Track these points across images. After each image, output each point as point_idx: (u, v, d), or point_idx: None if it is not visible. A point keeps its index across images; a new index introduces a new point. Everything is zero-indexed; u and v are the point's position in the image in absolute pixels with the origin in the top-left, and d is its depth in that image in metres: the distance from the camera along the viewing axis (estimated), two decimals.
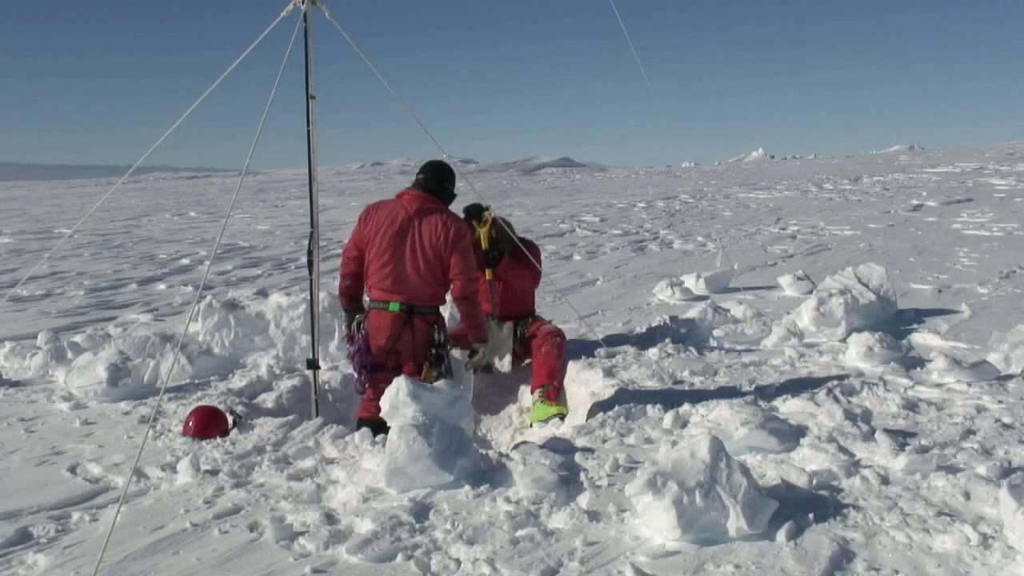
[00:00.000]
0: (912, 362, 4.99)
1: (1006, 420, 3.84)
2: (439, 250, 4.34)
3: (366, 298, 4.59)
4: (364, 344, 4.44)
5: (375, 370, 4.45)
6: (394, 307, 4.37)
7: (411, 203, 4.42)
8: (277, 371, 5.31)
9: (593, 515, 2.95)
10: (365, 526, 2.91)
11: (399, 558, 2.70)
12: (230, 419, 4.22)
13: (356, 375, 4.55)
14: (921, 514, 2.84)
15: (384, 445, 3.44)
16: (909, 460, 3.25)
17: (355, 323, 4.59)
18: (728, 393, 4.40)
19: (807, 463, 3.31)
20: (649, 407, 4.20)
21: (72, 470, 3.64)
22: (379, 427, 3.93)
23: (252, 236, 15.61)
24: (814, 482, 3.11)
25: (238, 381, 5.15)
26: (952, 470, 3.18)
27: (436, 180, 4.51)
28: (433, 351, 4.42)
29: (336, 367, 5.41)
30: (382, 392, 3.95)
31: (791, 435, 3.56)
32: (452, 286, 4.48)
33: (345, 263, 4.64)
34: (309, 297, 4.68)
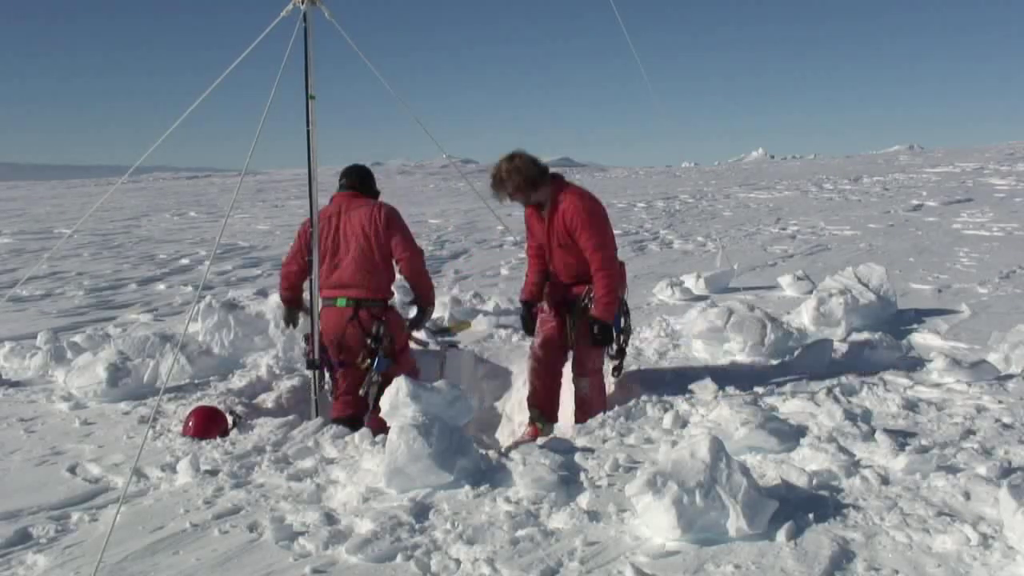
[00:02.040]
0: (912, 362, 4.98)
1: (1006, 420, 3.83)
2: (371, 237, 4.46)
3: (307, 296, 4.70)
4: (321, 343, 4.52)
5: (332, 367, 4.57)
6: (341, 303, 4.49)
7: (339, 203, 4.63)
8: (277, 371, 5.31)
9: (593, 515, 2.95)
10: (365, 526, 2.91)
11: (399, 558, 2.70)
12: (230, 419, 4.22)
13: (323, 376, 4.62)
14: (921, 514, 2.84)
15: (384, 445, 3.44)
16: (909, 460, 3.24)
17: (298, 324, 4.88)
18: (728, 393, 4.39)
19: (807, 463, 3.31)
20: (649, 407, 4.19)
21: (72, 470, 3.64)
22: (353, 426, 4.15)
23: (252, 236, 15.60)
24: (814, 482, 3.11)
25: (238, 381, 5.15)
26: (952, 470, 3.17)
27: (359, 179, 4.72)
28: (369, 341, 4.48)
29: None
30: (344, 389, 4.50)
31: (791, 435, 3.55)
32: (399, 267, 4.61)
33: (286, 263, 4.83)
34: (309, 297, 4.67)
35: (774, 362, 5.14)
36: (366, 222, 4.47)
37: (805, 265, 9.51)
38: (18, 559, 2.81)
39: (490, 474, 3.34)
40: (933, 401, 4.18)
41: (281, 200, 27.61)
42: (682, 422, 3.95)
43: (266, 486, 3.39)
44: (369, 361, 4.45)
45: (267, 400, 4.86)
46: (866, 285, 6.32)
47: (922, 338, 5.77)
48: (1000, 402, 4.12)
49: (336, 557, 2.74)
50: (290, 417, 4.31)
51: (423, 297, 4.73)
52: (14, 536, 2.96)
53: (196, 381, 5.14)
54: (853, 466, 3.25)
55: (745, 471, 2.82)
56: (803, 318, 5.97)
